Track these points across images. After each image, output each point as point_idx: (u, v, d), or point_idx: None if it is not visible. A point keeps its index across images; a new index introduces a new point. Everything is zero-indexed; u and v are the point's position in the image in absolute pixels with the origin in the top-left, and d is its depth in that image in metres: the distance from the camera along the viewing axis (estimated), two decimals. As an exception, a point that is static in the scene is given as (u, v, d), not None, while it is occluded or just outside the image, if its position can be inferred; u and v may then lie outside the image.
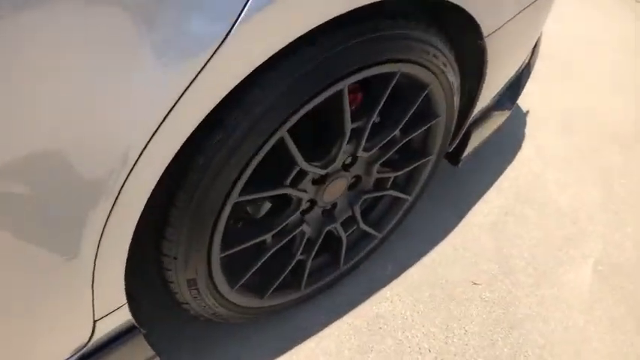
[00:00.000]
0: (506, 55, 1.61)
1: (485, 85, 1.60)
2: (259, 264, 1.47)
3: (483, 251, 2.01)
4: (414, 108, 1.46)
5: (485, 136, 1.89)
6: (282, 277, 1.58)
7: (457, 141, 1.77)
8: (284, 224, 1.45)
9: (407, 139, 1.55)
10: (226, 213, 1.25)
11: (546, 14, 1.72)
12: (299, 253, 1.57)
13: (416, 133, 1.56)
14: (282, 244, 1.49)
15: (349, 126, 1.32)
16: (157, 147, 0.95)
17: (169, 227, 1.22)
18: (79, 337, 1.16)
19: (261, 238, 1.41)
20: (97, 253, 1.02)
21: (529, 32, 1.66)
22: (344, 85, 1.22)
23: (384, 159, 1.55)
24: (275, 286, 1.58)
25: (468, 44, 1.48)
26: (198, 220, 1.22)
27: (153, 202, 1.05)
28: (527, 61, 1.87)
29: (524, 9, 1.49)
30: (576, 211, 2.21)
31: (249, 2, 0.91)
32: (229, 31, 0.91)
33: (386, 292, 1.86)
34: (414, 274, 1.92)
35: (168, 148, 0.98)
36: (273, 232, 1.43)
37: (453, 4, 1.27)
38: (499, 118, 1.91)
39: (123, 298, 1.19)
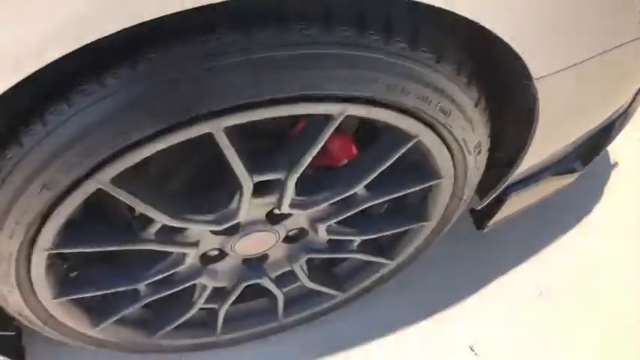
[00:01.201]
0: (572, 107, 1.04)
1: (535, 142, 1.06)
2: (129, 311, 1.13)
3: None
4: (386, 164, 0.97)
5: (530, 203, 1.33)
6: (179, 322, 1.22)
7: (487, 201, 1.24)
8: (161, 276, 1.06)
9: (381, 201, 1.08)
10: (39, 262, 0.90)
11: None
12: (201, 304, 1.19)
13: (395, 195, 1.07)
14: (164, 294, 1.12)
15: (247, 178, 0.88)
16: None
17: None
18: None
19: (120, 289, 1.05)
20: None
21: (614, 79, 1.06)
22: (215, 127, 0.78)
23: (337, 219, 1.09)
24: (172, 327, 1.23)
25: (508, 82, 0.94)
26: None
27: None
28: (619, 110, 1.24)
29: (606, 52, 0.92)
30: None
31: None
32: None
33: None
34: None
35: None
36: (142, 283, 1.06)
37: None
38: (556, 183, 1.33)
39: None
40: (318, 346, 1.46)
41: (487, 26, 0.76)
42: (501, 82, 0.95)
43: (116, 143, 0.74)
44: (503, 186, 1.18)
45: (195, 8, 0.63)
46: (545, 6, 0.80)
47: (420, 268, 1.46)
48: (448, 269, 1.58)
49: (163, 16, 0.62)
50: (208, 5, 0.64)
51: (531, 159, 1.13)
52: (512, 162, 1.11)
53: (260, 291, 1.28)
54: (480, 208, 1.27)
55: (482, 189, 1.22)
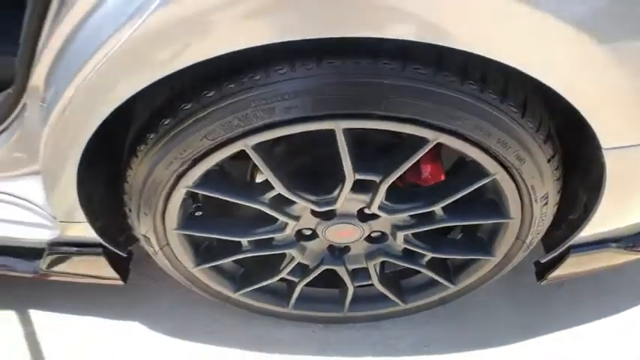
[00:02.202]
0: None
1: (601, 211, 1.25)
2: (228, 260, 1.41)
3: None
4: (465, 192, 1.21)
5: (593, 268, 1.50)
6: (261, 284, 1.49)
7: (550, 255, 1.43)
8: (264, 237, 1.34)
9: (456, 225, 1.31)
10: (178, 196, 1.20)
11: None
12: (285, 273, 1.46)
13: (466, 223, 1.30)
14: (259, 254, 1.40)
15: (351, 173, 1.15)
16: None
17: (125, 182, 1.23)
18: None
19: (228, 238, 1.34)
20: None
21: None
22: (335, 126, 1.05)
23: (414, 231, 1.32)
24: (254, 288, 1.50)
25: (581, 147, 1.16)
26: (147, 188, 1.20)
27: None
28: None
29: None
30: None
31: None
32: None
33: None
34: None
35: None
36: (246, 238, 1.34)
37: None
38: (623, 256, 1.47)
39: (81, 216, 1.30)
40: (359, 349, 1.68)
41: (563, 94, 0.98)
42: (575, 146, 1.15)
43: (268, 119, 1.02)
44: (567, 245, 1.37)
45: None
46: (619, 83, 0.98)
47: (475, 301, 1.65)
48: (500, 310, 1.74)
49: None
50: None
51: (597, 226, 1.30)
52: (579, 224, 1.30)
53: (334, 282, 1.53)
54: (543, 261, 1.45)
55: (549, 243, 1.41)
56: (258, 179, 1.31)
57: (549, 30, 0.90)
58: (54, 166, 1.19)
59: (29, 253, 1.51)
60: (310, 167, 1.24)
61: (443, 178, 1.26)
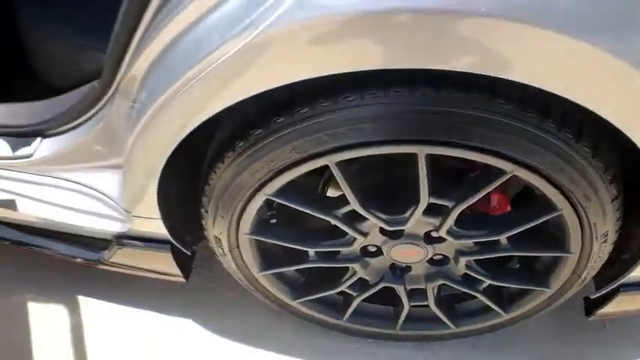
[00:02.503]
0: None
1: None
2: (292, 268, 1.47)
3: None
4: (532, 224, 1.25)
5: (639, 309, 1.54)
6: (320, 295, 1.55)
7: (601, 292, 1.47)
8: (331, 250, 1.40)
9: (517, 255, 1.35)
10: (256, 202, 1.27)
11: None
12: (345, 286, 1.51)
13: (529, 254, 1.34)
14: (324, 265, 1.45)
15: (426, 197, 1.20)
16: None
17: (206, 185, 1.30)
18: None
19: (297, 247, 1.40)
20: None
21: None
22: (419, 150, 1.11)
23: (477, 257, 1.37)
24: (313, 297, 1.56)
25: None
26: (228, 192, 1.26)
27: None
28: None
29: None
30: None
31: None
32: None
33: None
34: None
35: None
36: (312, 249, 1.41)
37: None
38: None
39: (156, 213, 1.36)
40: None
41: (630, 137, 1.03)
42: (636, 188, 1.21)
43: (357, 138, 1.09)
44: (618, 283, 1.40)
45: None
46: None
47: (522, 331, 1.70)
48: (544, 342, 1.77)
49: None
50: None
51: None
52: (632, 264, 1.34)
53: (387, 299, 1.59)
54: (593, 297, 1.49)
55: (600, 280, 1.45)
56: (331, 193, 1.37)
57: (626, 77, 0.94)
58: (138, 164, 1.26)
59: (95, 243, 1.58)
60: (384, 186, 1.30)
61: (508, 209, 1.31)
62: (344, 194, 1.23)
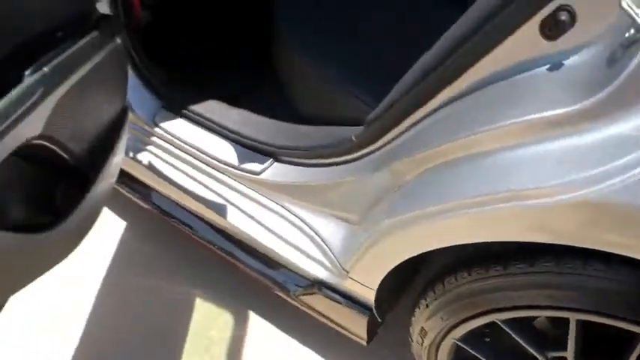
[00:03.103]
0: None
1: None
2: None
3: None
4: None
5: None
6: None
7: None
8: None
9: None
10: (483, 321, 1.29)
11: None
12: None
13: None
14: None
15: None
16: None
17: (440, 284, 1.34)
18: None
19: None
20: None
21: None
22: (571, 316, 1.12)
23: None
24: None
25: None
26: (461, 302, 1.29)
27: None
28: None
29: None
30: None
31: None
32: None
33: None
34: None
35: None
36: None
37: None
38: None
39: (375, 285, 1.42)
40: None
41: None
42: None
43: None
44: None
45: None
46: None
47: None
48: None
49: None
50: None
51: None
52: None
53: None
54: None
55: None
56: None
57: None
58: (384, 247, 1.30)
59: (292, 275, 1.65)
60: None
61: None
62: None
